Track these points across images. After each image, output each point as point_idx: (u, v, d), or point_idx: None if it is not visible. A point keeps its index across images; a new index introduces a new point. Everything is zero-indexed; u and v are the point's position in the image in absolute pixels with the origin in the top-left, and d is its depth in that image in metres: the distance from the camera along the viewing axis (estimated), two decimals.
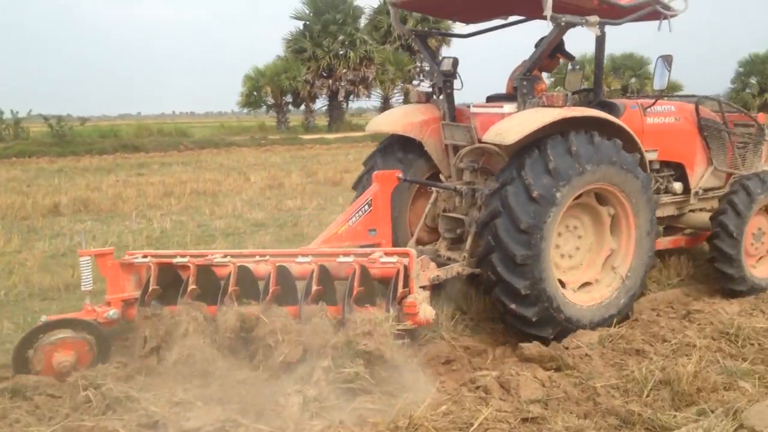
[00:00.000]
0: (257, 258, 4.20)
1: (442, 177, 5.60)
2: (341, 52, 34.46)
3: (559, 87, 6.01)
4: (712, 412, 3.24)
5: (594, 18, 4.60)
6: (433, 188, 5.32)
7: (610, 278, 4.91)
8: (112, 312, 4.08)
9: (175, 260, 4.23)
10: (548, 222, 4.33)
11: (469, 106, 5.41)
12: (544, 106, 4.61)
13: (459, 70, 5.46)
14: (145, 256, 4.28)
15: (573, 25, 4.63)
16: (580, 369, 3.87)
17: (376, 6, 38.16)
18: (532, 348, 4.16)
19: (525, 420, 3.25)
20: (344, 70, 34.13)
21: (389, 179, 4.91)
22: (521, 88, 4.79)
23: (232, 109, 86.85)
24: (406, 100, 38.29)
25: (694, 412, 3.31)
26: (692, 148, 5.84)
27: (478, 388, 3.63)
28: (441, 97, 5.48)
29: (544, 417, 3.27)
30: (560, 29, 4.69)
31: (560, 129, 4.44)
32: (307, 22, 35.01)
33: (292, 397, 3.28)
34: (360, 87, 35.11)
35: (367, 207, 4.78)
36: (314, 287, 3.88)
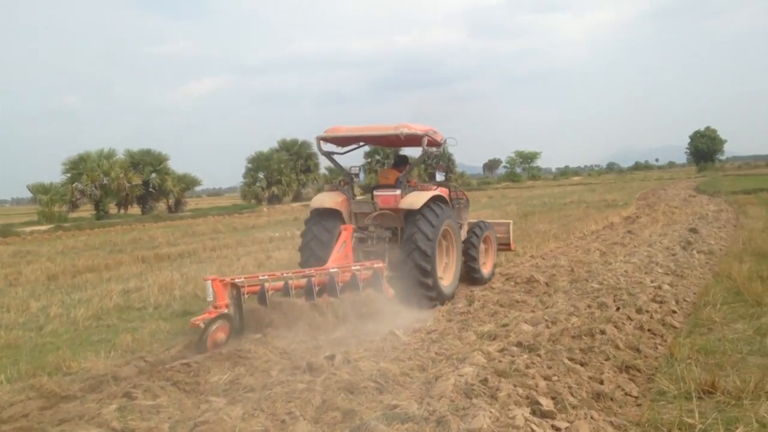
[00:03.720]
0: (315, 273, 8.04)
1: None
2: None
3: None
4: None
5: (434, 148, 9.77)
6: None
7: (447, 275, 9.58)
8: (224, 311, 7.03)
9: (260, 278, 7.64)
10: (437, 238, 8.97)
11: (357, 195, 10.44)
12: (421, 190, 9.34)
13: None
14: (239, 279, 7.39)
15: (430, 152, 9.58)
16: None
17: None
18: None
19: None
20: None
21: (350, 230, 9.08)
22: (404, 182, 9.54)
23: None
24: None
25: None
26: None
27: None
28: (346, 187, 9.83)
29: None
30: (426, 154, 9.50)
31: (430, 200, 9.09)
32: None
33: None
34: None
35: (344, 244, 8.84)
36: (341, 283, 8.01)
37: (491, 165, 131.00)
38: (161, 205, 48.53)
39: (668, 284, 9.13)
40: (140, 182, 44.30)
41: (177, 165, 51.81)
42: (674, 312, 7.67)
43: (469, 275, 10.58)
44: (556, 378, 5.09)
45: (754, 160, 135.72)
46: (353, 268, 8.29)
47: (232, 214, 41.28)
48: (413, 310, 8.52)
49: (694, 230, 15.34)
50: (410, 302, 8.66)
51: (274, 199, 55.29)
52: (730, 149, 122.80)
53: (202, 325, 6.86)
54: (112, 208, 44.59)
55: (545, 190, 55.83)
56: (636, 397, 5.04)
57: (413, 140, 9.52)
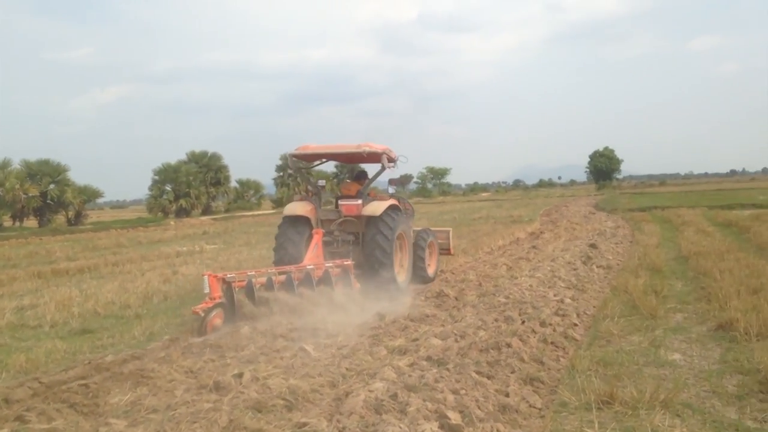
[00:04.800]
0: (295, 269, 9.38)
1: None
2: None
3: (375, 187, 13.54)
4: None
5: (392, 163, 11.07)
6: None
7: (402, 272, 11.26)
8: (220, 300, 8.23)
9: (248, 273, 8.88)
10: (394, 239, 10.69)
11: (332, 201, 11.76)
12: (380, 200, 11.00)
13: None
14: (229, 275, 8.50)
15: (387, 168, 10.95)
16: None
17: None
18: None
19: None
20: None
21: (321, 233, 10.62)
22: (364, 193, 11.20)
23: None
24: None
25: None
26: None
27: None
28: (314, 197, 11.31)
29: None
30: (384, 169, 10.97)
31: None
32: None
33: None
34: None
35: (316, 246, 10.35)
36: (316, 278, 9.43)
37: (403, 180, 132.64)
38: (60, 218, 46.26)
39: (570, 298, 9.49)
40: (37, 194, 42.22)
41: (78, 176, 49.77)
42: (575, 325, 7.97)
43: (417, 274, 12.02)
44: (464, 391, 5.17)
45: (648, 179, 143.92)
46: (327, 265, 9.84)
47: (137, 227, 39.84)
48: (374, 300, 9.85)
49: (593, 246, 16.04)
50: (373, 294, 10.07)
51: (182, 212, 53.87)
52: (626, 168, 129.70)
53: (201, 314, 8.03)
54: (7, 221, 42.19)
55: (455, 205, 57.00)
56: (539, 409, 5.19)
57: (374, 157, 11.03)
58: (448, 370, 5.78)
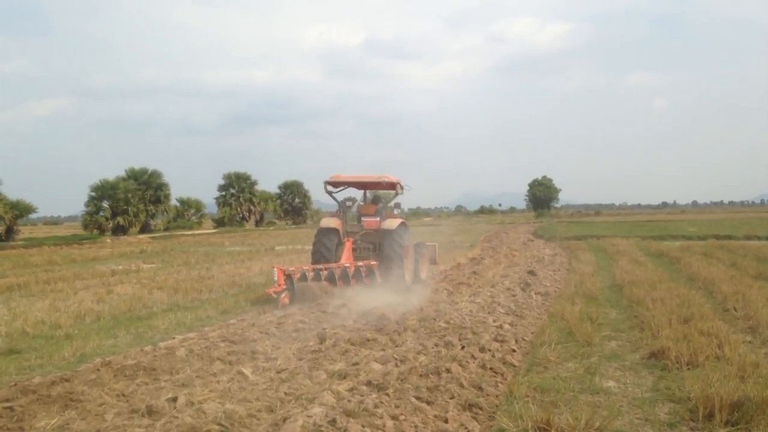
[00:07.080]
0: (335, 266, 13.33)
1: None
2: None
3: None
4: None
5: (402, 190, 14.90)
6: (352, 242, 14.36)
7: (408, 273, 14.29)
8: (285, 287, 12.10)
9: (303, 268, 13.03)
10: (404, 246, 14.07)
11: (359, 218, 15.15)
12: (393, 218, 14.41)
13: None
14: (290, 269, 12.55)
15: (399, 193, 14.85)
16: None
17: None
18: None
19: None
20: None
21: (351, 241, 14.17)
22: (382, 212, 14.73)
23: None
24: None
25: None
26: None
27: None
28: (342, 214, 14.69)
29: None
30: (397, 194, 14.83)
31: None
32: None
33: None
34: None
35: (348, 251, 13.90)
36: (350, 273, 13.48)
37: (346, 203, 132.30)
38: None
39: (509, 324, 9.61)
40: None
41: (10, 190, 47.74)
42: (514, 351, 8.07)
43: (414, 277, 14.91)
44: (403, 417, 5.16)
45: (584, 209, 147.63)
46: (358, 264, 13.55)
47: (72, 244, 38.56)
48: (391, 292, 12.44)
49: (532, 272, 16.34)
50: (389, 287, 12.92)
51: (119, 230, 52.47)
52: (563, 197, 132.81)
53: (274, 295, 11.81)
54: None
55: None
56: None
57: (391, 186, 14.76)
58: (387, 395, 5.76)
